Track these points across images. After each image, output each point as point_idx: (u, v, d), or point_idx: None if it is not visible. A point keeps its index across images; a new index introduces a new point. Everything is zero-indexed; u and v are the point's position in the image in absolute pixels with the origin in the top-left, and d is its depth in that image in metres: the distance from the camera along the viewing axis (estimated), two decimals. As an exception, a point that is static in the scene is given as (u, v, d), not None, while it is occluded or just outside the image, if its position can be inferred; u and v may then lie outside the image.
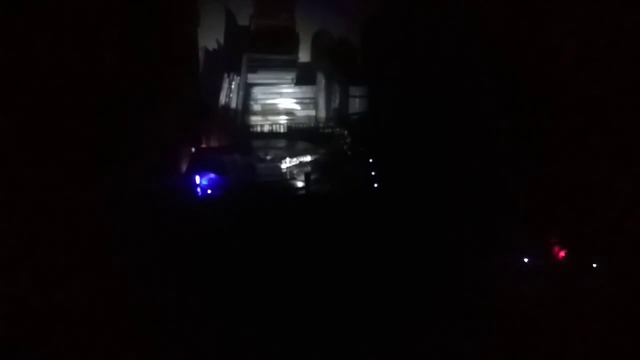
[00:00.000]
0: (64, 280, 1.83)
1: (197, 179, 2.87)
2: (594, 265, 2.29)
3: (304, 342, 2.00)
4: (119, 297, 1.99)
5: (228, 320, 2.08)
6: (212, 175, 2.91)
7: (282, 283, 2.26)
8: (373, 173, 3.10)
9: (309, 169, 3.09)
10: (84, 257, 1.92)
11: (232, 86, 3.42)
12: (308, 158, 3.20)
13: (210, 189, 2.86)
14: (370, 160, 3.19)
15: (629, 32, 2.21)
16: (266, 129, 3.54)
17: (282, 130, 3.55)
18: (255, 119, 3.54)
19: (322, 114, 3.62)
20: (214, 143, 3.36)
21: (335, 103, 3.62)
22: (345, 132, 3.47)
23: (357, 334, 2.03)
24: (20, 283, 1.72)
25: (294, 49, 3.57)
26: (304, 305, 2.17)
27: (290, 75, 3.53)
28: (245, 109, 3.50)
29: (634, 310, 2.05)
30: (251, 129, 3.52)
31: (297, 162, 3.16)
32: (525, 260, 2.37)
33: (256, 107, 3.53)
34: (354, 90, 3.56)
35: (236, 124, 3.46)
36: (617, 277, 2.19)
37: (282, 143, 3.45)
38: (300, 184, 2.98)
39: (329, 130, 3.55)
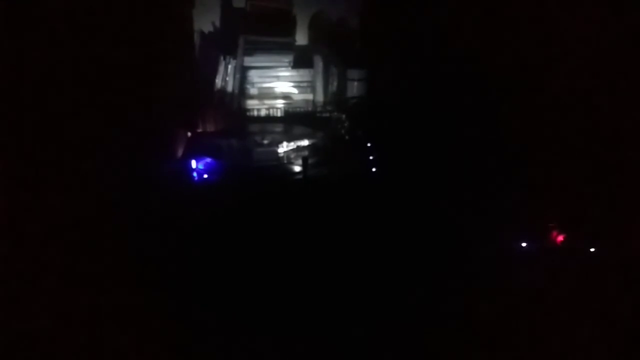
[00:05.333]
0: (54, 266, 1.82)
1: (193, 163, 2.85)
2: (592, 249, 2.29)
3: (303, 329, 2.00)
4: (114, 283, 1.99)
5: (225, 306, 2.08)
6: (208, 160, 2.89)
7: (280, 267, 2.27)
8: (371, 157, 3.08)
9: (306, 153, 3.06)
10: (76, 244, 1.91)
11: (228, 69, 3.37)
12: (305, 142, 3.17)
13: (207, 174, 2.84)
14: (369, 144, 3.16)
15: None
16: (263, 112, 3.49)
17: (279, 114, 3.50)
18: (251, 103, 3.48)
19: (320, 97, 3.58)
20: (210, 127, 3.32)
21: (333, 86, 3.58)
22: (343, 115, 3.44)
23: (356, 320, 2.04)
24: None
25: (291, 31, 3.51)
26: (302, 289, 2.18)
27: (288, 58, 3.48)
28: (242, 92, 3.45)
29: (632, 296, 2.05)
30: (248, 113, 3.47)
31: (295, 146, 3.14)
32: (523, 244, 2.36)
33: (253, 90, 3.48)
34: (352, 74, 3.50)
35: (232, 107, 3.42)
36: (615, 262, 2.19)
37: (279, 127, 3.40)
38: (297, 168, 2.96)
39: (327, 114, 3.52)
